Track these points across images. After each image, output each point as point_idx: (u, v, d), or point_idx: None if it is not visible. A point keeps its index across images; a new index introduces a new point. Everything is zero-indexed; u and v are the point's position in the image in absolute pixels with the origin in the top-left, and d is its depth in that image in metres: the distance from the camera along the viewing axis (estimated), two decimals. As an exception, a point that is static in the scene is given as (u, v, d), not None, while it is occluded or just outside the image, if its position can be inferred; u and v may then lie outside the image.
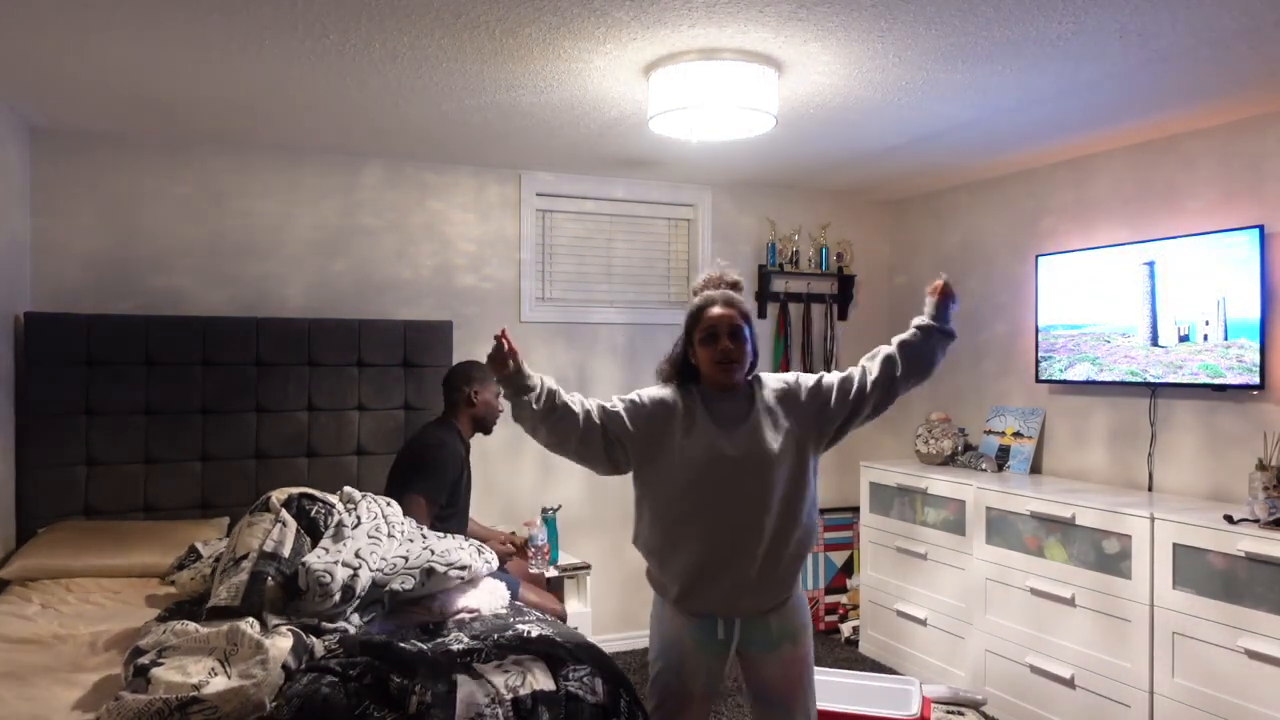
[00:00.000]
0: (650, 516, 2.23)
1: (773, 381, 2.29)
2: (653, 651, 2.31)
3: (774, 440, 2.17)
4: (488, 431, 3.55)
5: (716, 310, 2.23)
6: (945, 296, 2.29)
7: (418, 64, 2.86)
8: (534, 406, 2.16)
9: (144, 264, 3.80)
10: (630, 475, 2.27)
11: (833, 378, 2.28)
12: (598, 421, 2.20)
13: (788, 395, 2.25)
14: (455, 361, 4.13)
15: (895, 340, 2.31)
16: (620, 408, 2.23)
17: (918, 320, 2.30)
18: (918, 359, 2.27)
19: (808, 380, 2.28)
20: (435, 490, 3.24)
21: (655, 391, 2.28)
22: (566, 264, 4.62)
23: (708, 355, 2.22)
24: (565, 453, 2.24)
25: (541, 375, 2.21)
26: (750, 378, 2.29)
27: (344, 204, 4.13)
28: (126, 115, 3.47)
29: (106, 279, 3.74)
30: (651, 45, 2.67)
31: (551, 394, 2.18)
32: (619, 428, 2.20)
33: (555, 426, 2.18)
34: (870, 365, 2.28)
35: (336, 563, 2.54)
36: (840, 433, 2.28)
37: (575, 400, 2.21)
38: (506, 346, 2.15)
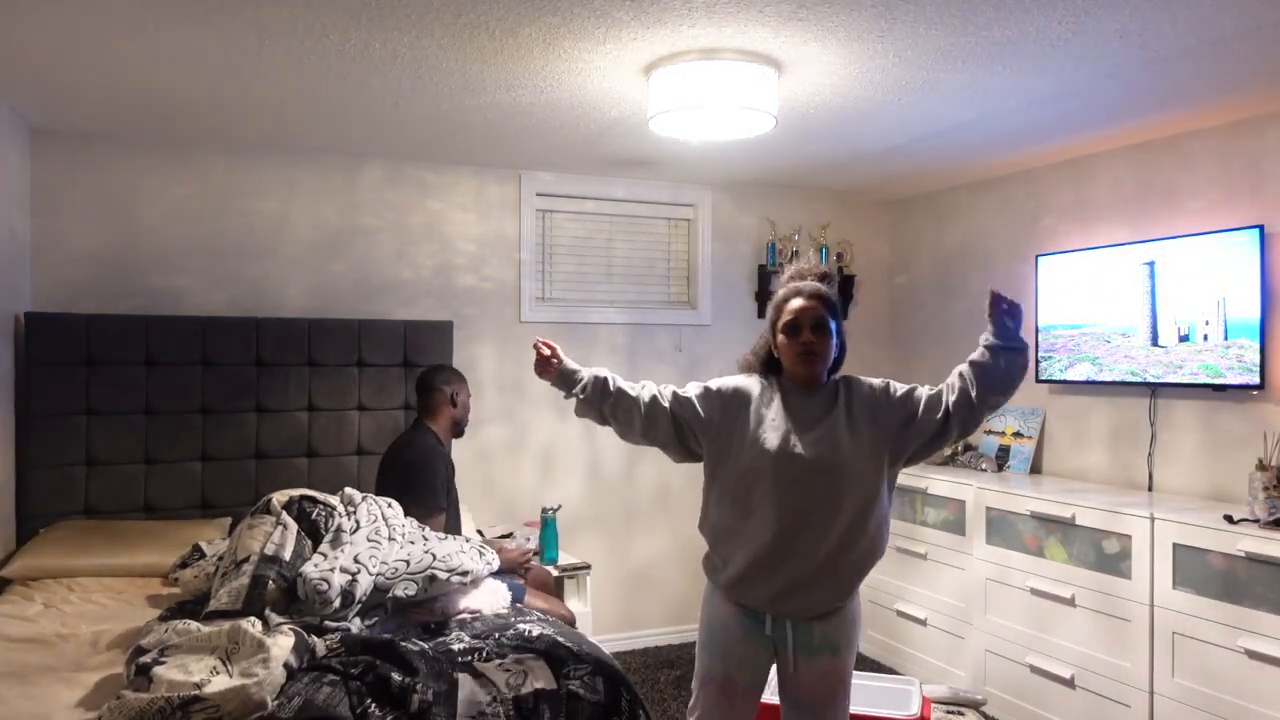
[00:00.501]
0: (717, 503, 2.21)
1: (862, 385, 2.22)
2: (701, 640, 2.27)
3: (850, 445, 2.11)
4: (461, 434, 3.48)
5: (800, 301, 2.17)
6: (999, 310, 2.16)
7: (418, 64, 2.86)
8: (581, 396, 2.20)
9: (144, 264, 3.80)
10: (702, 463, 2.27)
11: (925, 391, 2.20)
12: (666, 405, 2.20)
13: (875, 401, 2.18)
14: (454, 361, 4.14)
15: (967, 360, 2.19)
16: (693, 394, 2.23)
17: (984, 339, 2.18)
18: (990, 379, 2.13)
19: (899, 388, 2.20)
20: (440, 499, 3.23)
21: (733, 380, 2.25)
22: (566, 264, 4.62)
23: (789, 347, 2.17)
24: (633, 438, 2.24)
25: (595, 369, 2.25)
26: (838, 377, 2.24)
27: (344, 204, 4.13)
28: (126, 115, 3.47)
29: (106, 279, 3.74)
30: (651, 45, 2.68)
31: (601, 381, 2.21)
32: (690, 413, 2.20)
33: (614, 413, 2.21)
34: (952, 384, 2.18)
35: (334, 569, 2.54)
36: (924, 450, 2.19)
37: (636, 386, 2.22)
38: (548, 350, 2.21)
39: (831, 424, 2.14)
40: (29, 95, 3.21)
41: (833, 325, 2.18)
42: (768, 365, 2.27)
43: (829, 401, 2.18)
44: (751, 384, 2.24)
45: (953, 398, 2.15)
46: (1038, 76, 2.95)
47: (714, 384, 2.25)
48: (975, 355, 2.17)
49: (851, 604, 2.22)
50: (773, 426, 2.14)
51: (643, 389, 2.23)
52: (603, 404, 2.21)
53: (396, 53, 2.76)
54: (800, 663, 2.18)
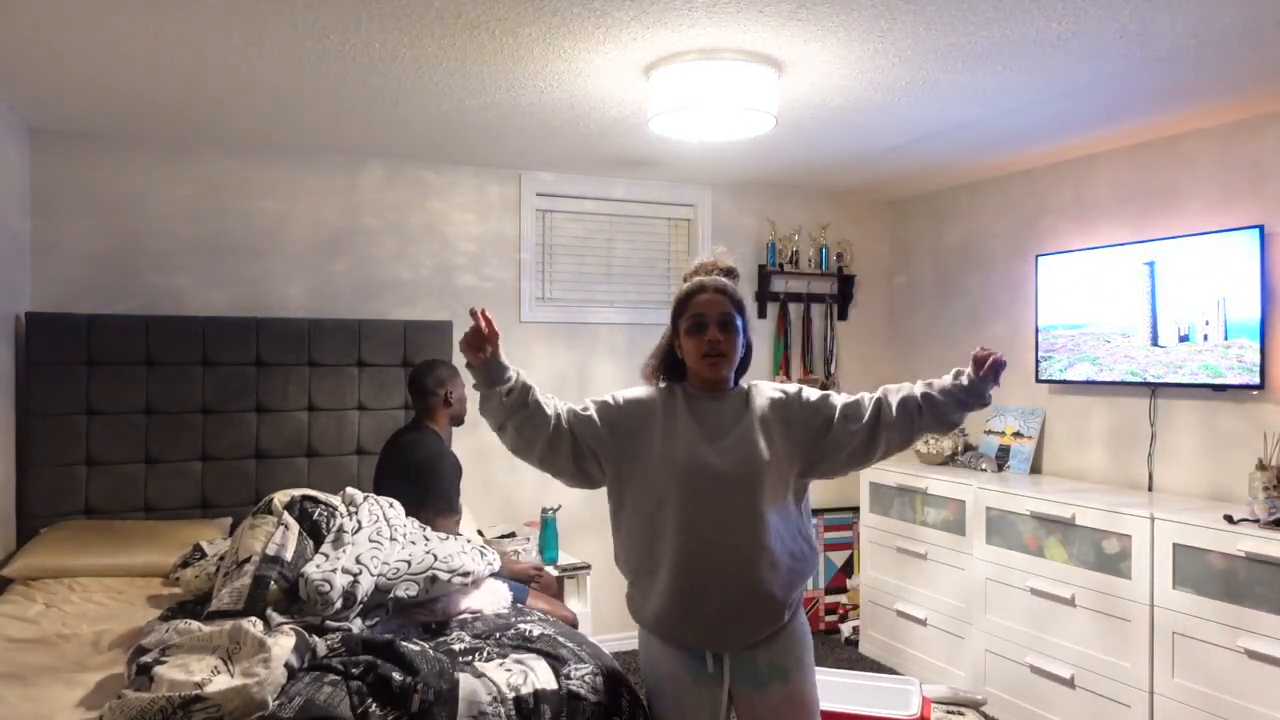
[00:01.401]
0: (626, 532, 2.01)
1: (769, 389, 2.07)
2: (648, 692, 2.10)
3: (767, 452, 1.95)
4: (461, 424, 3.45)
5: (705, 296, 2.00)
6: (994, 373, 1.97)
7: (418, 64, 2.86)
8: (503, 399, 1.90)
9: (144, 264, 3.80)
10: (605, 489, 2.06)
11: (841, 399, 2.05)
12: (566, 426, 1.97)
13: (788, 404, 2.03)
14: (454, 361, 4.14)
15: (924, 387, 2.02)
16: (592, 410, 2.01)
17: (956, 385, 1.99)
18: (941, 421, 2.00)
19: (811, 394, 2.05)
20: (455, 502, 3.22)
21: (633, 392, 2.06)
22: (566, 264, 4.62)
23: (694, 347, 1.99)
24: (530, 458, 1.98)
25: (518, 368, 1.95)
26: (748, 386, 2.08)
27: (344, 204, 4.13)
28: (126, 115, 3.47)
29: (106, 279, 3.74)
30: (651, 45, 2.68)
31: (526, 389, 1.94)
32: (589, 432, 1.98)
33: (523, 426, 1.93)
34: (890, 401, 2.02)
35: (335, 570, 2.54)
36: (840, 465, 2.03)
37: (549, 401, 1.98)
38: (486, 328, 1.86)
39: (745, 430, 1.97)
40: (29, 95, 3.21)
41: (739, 323, 2.01)
42: (671, 369, 2.08)
43: (739, 407, 2.01)
44: (653, 393, 2.05)
45: (891, 416, 1.99)
46: (1038, 76, 2.95)
47: (611, 397, 2.05)
48: (938, 393, 1.99)
49: (794, 621, 2.02)
50: (679, 437, 1.96)
51: (549, 404, 1.97)
52: (516, 414, 1.93)
53: (396, 53, 2.76)
54: (754, 699, 2.00)
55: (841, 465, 2.03)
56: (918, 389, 2.02)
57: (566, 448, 1.97)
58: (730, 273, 2.09)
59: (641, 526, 1.97)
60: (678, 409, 2.00)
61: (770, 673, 1.99)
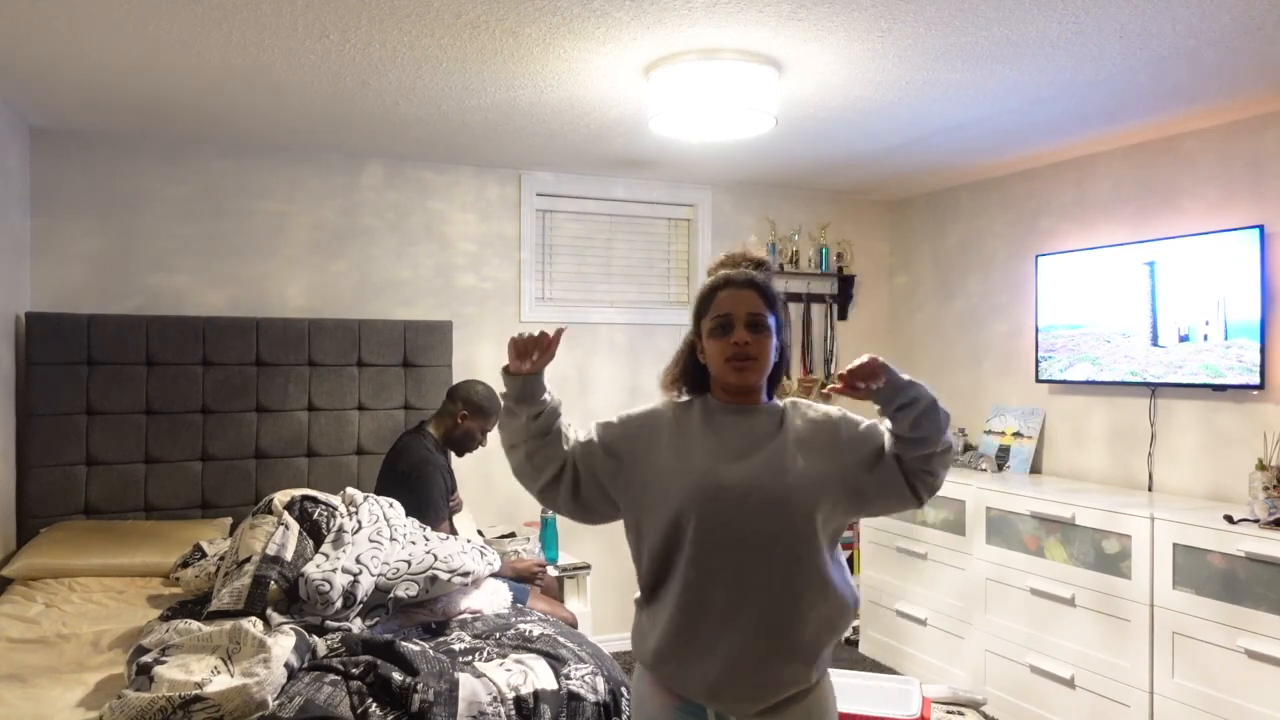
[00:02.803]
0: (643, 565, 1.71)
1: (810, 408, 1.76)
2: None
3: (802, 478, 1.64)
4: (459, 453, 3.51)
5: (731, 291, 1.71)
6: (855, 385, 1.63)
7: (418, 64, 2.86)
8: (529, 421, 1.68)
9: (144, 264, 3.80)
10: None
11: (885, 426, 1.73)
12: (572, 462, 1.72)
13: (832, 428, 1.72)
14: (454, 361, 4.16)
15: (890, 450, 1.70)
16: (594, 434, 1.74)
17: (885, 426, 1.70)
18: (908, 444, 1.67)
19: (860, 419, 1.74)
20: (442, 511, 3.26)
21: (644, 408, 1.78)
22: (566, 264, 4.62)
23: (718, 350, 1.69)
24: (531, 486, 1.73)
25: (553, 391, 1.73)
26: (786, 403, 1.76)
27: (344, 204, 4.13)
28: (126, 115, 3.47)
29: (106, 279, 3.74)
30: (651, 45, 2.68)
31: (555, 415, 1.72)
32: (592, 461, 1.71)
33: (535, 453, 1.70)
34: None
35: (335, 570, 2.54)
36: (885, 504, 1.72)
37: (569, 433, 1.74)
38: (548, 344, 1.66)
39: (776, 450, 1.67)
40: (29, 95, 3.21)
41: (772, 323, 1.71)
42: (694, 380, 1.79)
43: (772, 424, 1.71)
44: (666, 407, 1.77)
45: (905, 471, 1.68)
46: (1038, 76, 2.95)
47: (618, 416, 1.77)
48: (888, 444, 1.69)
49: (821, 685, 1.71)
50: (694, 452, 1.67)
51: (569, 437, 1.73)
52: (534, 440, 1.70)
53: (396, 53, 2.76)
54: None
55: (885, 504, 1.72)
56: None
57: (568, 485, 1.72)
58: (761, 265, 1.78)
59: (650, 555, 1.68)
60: (693, 423, 1.72)
61: None
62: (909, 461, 1.65)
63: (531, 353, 1.64)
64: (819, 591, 1.64)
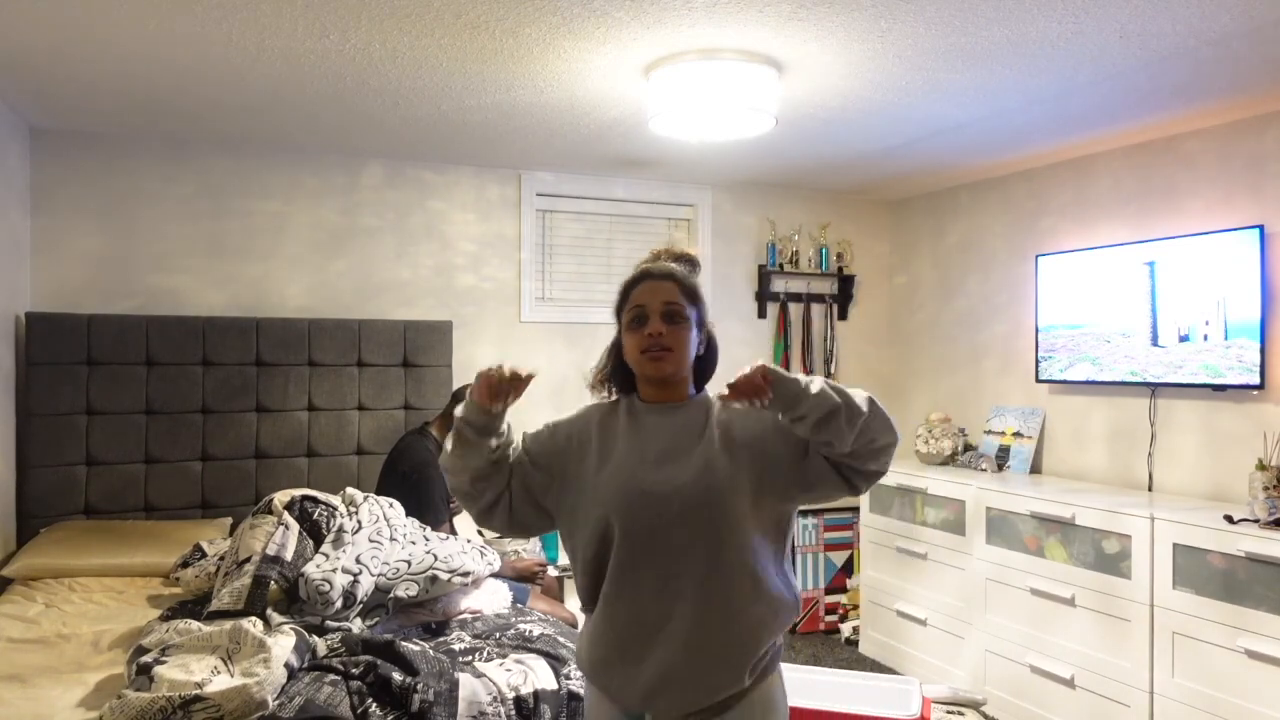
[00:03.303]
0: (577, 573, 1.68)
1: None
2: None
3: (729, 474, 1.59)
4: None
5: (648, 284, 1.67)
6: (750, 396, 1.48)
7: (418, 64, 2.86)
8: (489, 452, 1.65)
9: (144, 264, 3.80)
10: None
11: None
12: (509, 485, 1.70)
13: (756, 416, 1.64)
14: (454, 361, 4.16)
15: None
16: (526, 444, 1.71)
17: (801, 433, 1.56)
18: (860, 443, 1.53)
19: None
20: (442, 512, 3.27)
21: (572, 414, 1.75)
22: (566, 264, 4.62)
23: (634, 343, 1.65)
24: (470, 507, 1.70)
25: (509, 423, 1.69)
26: (712, 395, 1.69)
27: (344, 204, 4.13)
28: (126, 115, 3.47)
29: (106, 279, 3.74)
30: (651, 45, 2.68)
31: (510, 441, 1.69)
32: (524, 479, 1.69)
33: (489, 478, 1.67)
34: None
35: (335, 570, 2.54)
36: (820, 493, 1.62)
37: (512, 453, 1.71)
38: (520, 385, 1.60)
39: (703, 448, 1.62)
40: (29, 95, 3.21)
41: (692, 315, 1.67)
42: (621, 379, 1.75)
43: (698, 419, 1.66)
44: (591, 411, 1.74)
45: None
46: (1038, 76, 2.95)
47: (547, 425, 1.74)
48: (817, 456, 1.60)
49: (759, 687, 1.62)
50: (616, 459, 1.64)
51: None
52: (491, 468, 1.66)
53: (396, 53, 2.76)
54: None
55: (820, 493, 1.62)
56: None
57: (505, 507, 1.69)
58: (687, 260, 1.75)
59: (584, 567, 1.65)
60: (619, 427, 1.68)
61: None
62: (832, 457, 1.57)
63: (506, 394, 1.60)
64: (750, 594, 1.58)
